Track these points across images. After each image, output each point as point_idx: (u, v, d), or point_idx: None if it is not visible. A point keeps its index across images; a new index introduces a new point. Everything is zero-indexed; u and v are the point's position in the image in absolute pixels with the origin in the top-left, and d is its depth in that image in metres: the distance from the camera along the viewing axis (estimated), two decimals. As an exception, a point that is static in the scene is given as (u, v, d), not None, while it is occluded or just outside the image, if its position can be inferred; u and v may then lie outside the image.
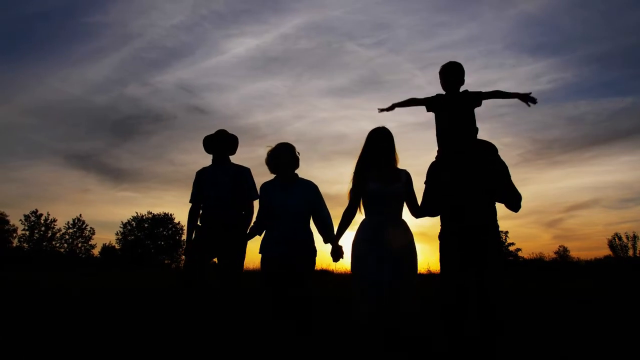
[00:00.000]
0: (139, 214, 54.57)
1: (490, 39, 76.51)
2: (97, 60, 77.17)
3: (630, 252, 52.36)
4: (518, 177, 78.08)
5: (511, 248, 46.78)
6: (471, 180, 3.28)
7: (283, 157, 3.90)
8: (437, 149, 3.82)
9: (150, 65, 76.93)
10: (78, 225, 52.74)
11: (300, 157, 3.97)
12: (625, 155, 76.62)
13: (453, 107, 3.81)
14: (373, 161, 3.50)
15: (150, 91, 72.92)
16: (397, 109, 4.22)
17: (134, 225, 53.92)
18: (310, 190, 3.91)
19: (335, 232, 3.62)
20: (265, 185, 4.00)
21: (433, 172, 3.52)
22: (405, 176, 3.52)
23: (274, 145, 3.97)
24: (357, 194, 3.51)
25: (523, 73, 73.30)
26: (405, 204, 3.53)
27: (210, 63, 77.14)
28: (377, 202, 3.43)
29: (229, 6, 73.60)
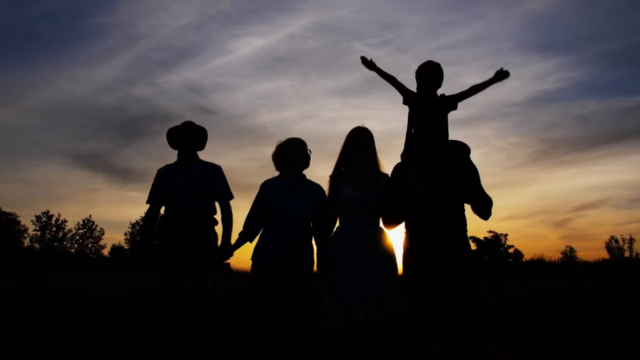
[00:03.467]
0: (147, 215, 54.55)
1: (497, 38, 75.68)
2: (105, 61, 77.24)
3: (627, 255, 52.20)
4: (526, 177, 73.86)
5: (510, 250, 46.44)
6: (439, 185, 3.02)
7: (295, 153, 3.50)
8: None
9: (157, 66, 77.24)
10: (88, 225, 52.82)
11: (311, 156, 3.60)
12: (634, 154, 75.60)
13: (428, 110, 3.53)
14: (351, 163, 3.24)
15: (158, 91, 72.73)
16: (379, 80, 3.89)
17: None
18: (318, 193, 3.50)
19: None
20: (267, 183, 3.57)
21: (398, 174, 3.20)
22: (386, 181, 3.21)
23: (284, 140, 3.58)
24: (333, 201, 3.23)
25: (530, 72, 72.52)
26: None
27: (218, 63, 76.86)
28: (351, 209, 3.14)
29: (235, 6, 73.43)
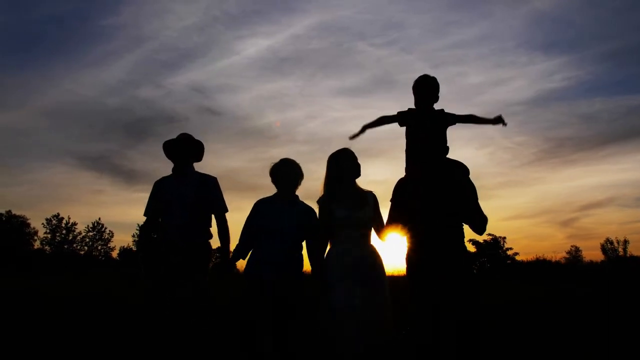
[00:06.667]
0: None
1: (502, 37, 75.30)
2: (110, 63, 77.06)
3: (621, 254, 52.22)
4: (531, 176, 73.46)
5: (509, 252, 46.30)
6: (438, 202, 3.01)
7: (293, 174, 3.51)
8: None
9: (162, 67, 76.71)
10: (97, 228, 52.85)
11: (303, 178, 3.57)
12: (640, 153, 74.39)
13: (426, 124, 3.50)
14: (339, 185, 3.23)
15: (163, 93, 72.52)
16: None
17: (150, 229, 53.85)
18: (309, 215, 3.49)
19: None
20: (260, 203, 3.56)
21: (399, 190, 3.22)
22: (373, 199, 3.26)
23: (278, 161, 3.56)
24: (326, 222, 3.21)
25: (536, 71, 72.08)
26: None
27: (222, 64, 76.69)
28: (345, 228, 3.14)
29: (240, 7, 73.04)
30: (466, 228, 3.12)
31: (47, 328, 5.42)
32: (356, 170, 3.28)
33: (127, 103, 74.62)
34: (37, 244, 50.67)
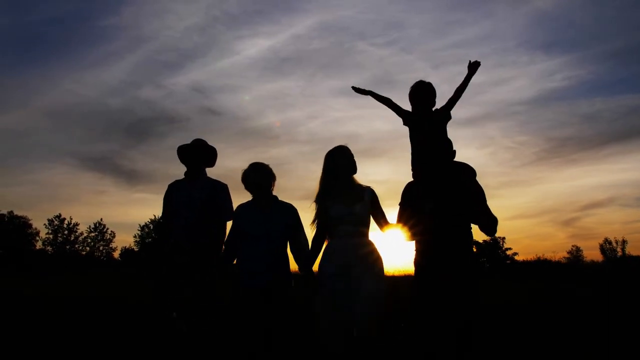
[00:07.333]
0: (156, 217, 54.52)
1: (503, 36, 74.55)
2: (112, 63, 75.95)
3: (620, 254, 52.23)
4: (533, 176, 73.10)
5: (508, 252, 46.29)
6: (443, 202, 3.01)
7: (258, 179, 3.48)
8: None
9: (163, 68, 75.97)
10: (99, 229, 52.86)
11: (276, 178, 3.57)
12: (642, 153, 73.60)
13: (424, 127, 3.54)
14: (335, 182, 3.21)
15: (164, 93, 71.72)
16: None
17: (152, 228, 53.90)
18: (290, 214, 3.50)
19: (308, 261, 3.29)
20: (240, 207, 3.55)
21: (408, 193, 3.23)
22: (370, 194, 3.22)
23: (250, 164, 3.54)
24: (322, 219, 3.19)
25: (537, 71, 71.48)
26: (374, 221, 3.23)
27: (223, 64, 75.77)
28: (340, 224, 3.12)
29: (241, 7, 72.35)
30: (475, 231, 3.11)
31: (48, 328, 5.41)
32: (352, 167, 3.25)
33: (128, 103, 74.34)
34: (39, 245, 50.70)
